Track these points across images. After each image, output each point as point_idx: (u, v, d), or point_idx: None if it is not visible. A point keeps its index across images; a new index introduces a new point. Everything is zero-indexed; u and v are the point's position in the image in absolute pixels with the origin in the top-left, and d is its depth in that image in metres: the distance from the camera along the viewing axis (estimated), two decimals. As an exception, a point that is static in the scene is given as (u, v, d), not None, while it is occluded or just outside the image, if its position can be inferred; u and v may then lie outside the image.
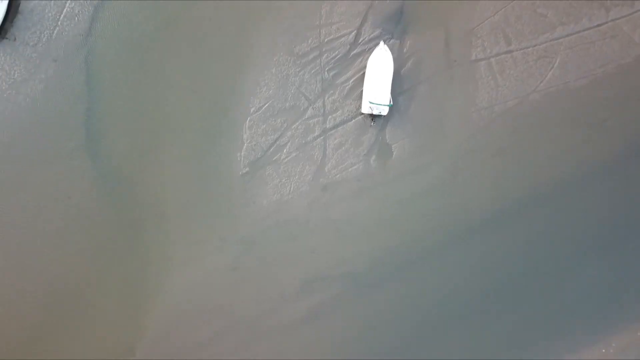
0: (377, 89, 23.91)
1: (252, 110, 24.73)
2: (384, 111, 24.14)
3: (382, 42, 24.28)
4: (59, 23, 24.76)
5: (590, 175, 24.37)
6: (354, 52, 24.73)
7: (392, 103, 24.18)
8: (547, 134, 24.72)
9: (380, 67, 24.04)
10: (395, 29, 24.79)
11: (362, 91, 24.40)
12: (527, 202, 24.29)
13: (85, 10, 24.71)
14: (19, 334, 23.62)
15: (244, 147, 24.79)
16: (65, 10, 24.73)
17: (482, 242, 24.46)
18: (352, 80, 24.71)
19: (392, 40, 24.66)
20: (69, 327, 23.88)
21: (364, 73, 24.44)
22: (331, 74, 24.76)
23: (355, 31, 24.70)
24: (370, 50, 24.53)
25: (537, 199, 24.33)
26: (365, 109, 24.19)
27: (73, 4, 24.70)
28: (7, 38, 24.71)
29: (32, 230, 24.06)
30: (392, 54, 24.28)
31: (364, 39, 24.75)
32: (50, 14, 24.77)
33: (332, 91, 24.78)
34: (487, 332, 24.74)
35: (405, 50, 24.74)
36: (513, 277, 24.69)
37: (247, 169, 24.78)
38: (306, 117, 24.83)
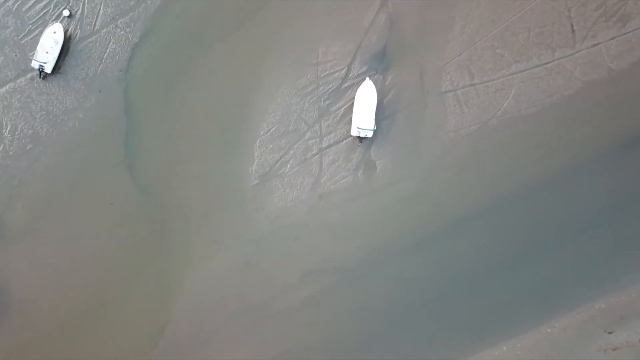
0: (363, 115, 29.25)
1: (261, 133, 30.11)
2: (370, 134, 29.47)
3: (367, 78, 29.66)
4: (103, 61, 30.18)
5: (536, 189, 29.68)
6: (345, 85, 30.10)
7: (375, 127, 29.49)
8: (504, 153, 30.04)
9: (366, 97, 29.40)
10: (379, 66, 30.17)
11: (351, 117, 29.71)
12: (485, 208, 29.62)
13: (124, 51, 30.11)
14: (77, 307, 29.01)
15: (255, 162, 30.15)
16: (107, 50, 30.15)
17: (449, 241, 29.76)
18: (343, 108, 30.08)
19: (376, 75, 30.03)
20: (113, 308, 29.26)
21: (352, 102, 29.75)
22: (326, 103, 30.12)
23: (346, 68, 30.09)
24: (358, 83, 29.89)
25: (493, 206, 29.67)
26: (354, 132, 29.52)
27: (114, 45, 30.11)
28: (60, 73, 30.14)
29: (83, 230, 29.46)
30: (376, 86, 29.63)
31: (353, 74, 30.12)
32: (95, 54, 30.19)
33: (327, 117, 30.15)
34: (455, 315, 30.00)
35: (387, 83, 30.10)
36: (476, 268, 29.97)
37: (257, 180, 30.13)
38: (306, 138, 30.18)
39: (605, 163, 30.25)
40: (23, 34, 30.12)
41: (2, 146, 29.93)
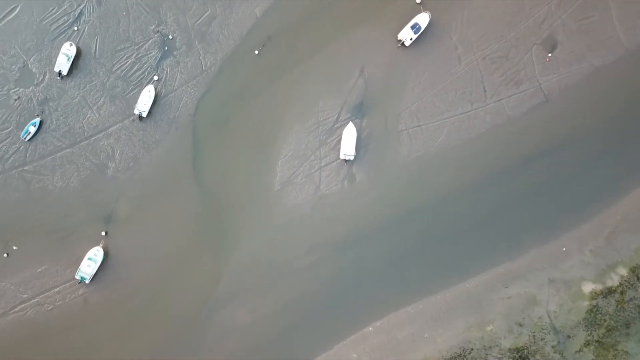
0: (348, 146, 45.40)
1: (282, 156, 46.34)
2: (352, 158, 45.64)
3: (350, 122, 45.88)
4: (179, 109, 46.44)
5: (460, 193, 45.82)
6: (336, 126, 46.32)
7: (355, 154, 45.70)
8: (439, 170, 46.21)
9: (350, 134, 45.55)
10: (358, 113, 46.38)
11: (340, 147, 45.85)
12: (425, 205, 45.87)
13: (192, 103, 46.34)
14: (164, 266, 45.45)
15: (277, 175, 46.39)
16: (182, 102, 46.40)
17: (403, 226, 45.97)
18: (334, 141, 46.29)
19: (356, 120, 46.23)
20: (188, 267, 45.68)
21: (341, 137, 45.91)
22: (324, 137, 46.34)
23: (337, 115, 46.31)
24: (344, 125, 46.02)
25: (431, 204, 45.93)
26: (342, 156, 45.67)
27: (186, 98, 46.33)
28: (151, 116, 46.37)
29: (167, 218, 45.80)
30: (356, 127, 45.80)
31: (341, 119, 46.34)
32: (174, 104, 46.44)
33: (324, 146, 46.37)
34: (408, 271, 46.23)
35: (363, 125, 46.31)
36: (420, 241, 46.05)
37: (279, 187, 46.38)
38: (310, 160, 46.38)
39: (507, 176, 46.45)
40: (127, 91, 46.44)
41: (114, 164, 46.32)
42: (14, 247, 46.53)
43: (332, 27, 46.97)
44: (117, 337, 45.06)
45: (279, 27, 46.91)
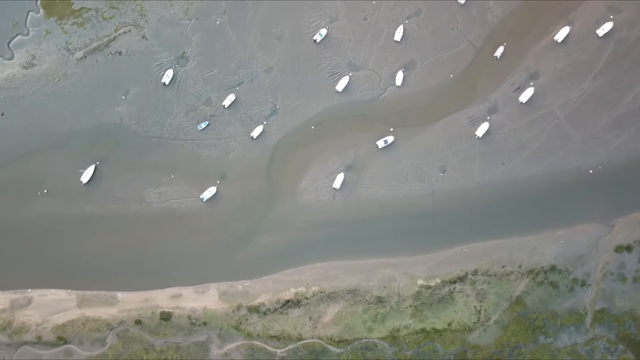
0: (337, 182, 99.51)
1: (305, 177, 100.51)
2: (337, 187, 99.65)
3: (342, 172, 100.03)
4: (270, 141, 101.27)
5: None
6: (335, 172, 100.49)
7: (339, 187, 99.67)
8: (384, 207, 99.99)
9: (339, 178, 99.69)
10: (347, 168, 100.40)
11: (333, 185, 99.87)
12: (377, 217, 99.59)
13: (276, 139, 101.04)
14: (243, 205, 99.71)
15: (302, 184, 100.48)
16: (272, 138, 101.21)
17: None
18: (331, 179, 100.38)
19: (345, 171, 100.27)
20: (256, 208, 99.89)
21: (335, 178, 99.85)
22: (327, 176, 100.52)
23: (336, 167, 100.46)
24: (338, 173, 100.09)
25: (382, 218, 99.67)
26: (333, 185, 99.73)
27: (273, 138, 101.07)
28: (256, 140, 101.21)
29: (250, 187, 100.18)
30: (344, 175, 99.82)
31: (337, 170, 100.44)
32: (270, 136, 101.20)
33: (325, 179, 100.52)
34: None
35: (347, 174, 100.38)
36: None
37: (302, 189, 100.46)
38: (317, 183, 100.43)
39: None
40: (251, 125, 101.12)
41: (233, 161, 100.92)
42: (172, 175, 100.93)
43: (348, 127, 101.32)
44: (212, 230, 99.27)
45: (323, 120, 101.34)
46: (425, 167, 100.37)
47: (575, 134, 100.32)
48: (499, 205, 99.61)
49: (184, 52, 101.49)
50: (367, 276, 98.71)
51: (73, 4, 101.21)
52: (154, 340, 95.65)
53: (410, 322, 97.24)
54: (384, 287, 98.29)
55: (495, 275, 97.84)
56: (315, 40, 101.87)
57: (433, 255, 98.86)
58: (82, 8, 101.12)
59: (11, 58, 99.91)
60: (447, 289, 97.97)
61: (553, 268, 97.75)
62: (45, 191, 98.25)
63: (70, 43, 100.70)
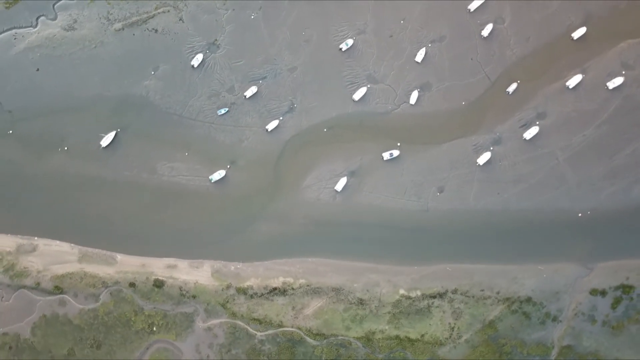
0: (339, 185, 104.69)
1: (309, 176, 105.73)
2: (339, 190, 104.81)
3: (345, 176, 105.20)
4: (283, 136, 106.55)
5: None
6: (337, 176, 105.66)
7: (340, 189, 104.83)
8: (368, 220, 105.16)
9: (342, 181, 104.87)
10: (350, 173, 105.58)
11: (336, 187, 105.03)
12: (366, 225, 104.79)
13: (288, 136, 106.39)
14: (248, 192, 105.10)
15: (305, 182, 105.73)
16: (285, 133, 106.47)
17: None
18: (334, 180, 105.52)
19: (347, 177, 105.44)
20: (260, 195, 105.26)
21: (338, 181, 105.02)
22: (330, 178, 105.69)
23: (340, 172, 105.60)
24: (341, 177, 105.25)
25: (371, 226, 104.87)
26: (335, 188, 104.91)
27: (284, 134, 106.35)
28: (270, 134, 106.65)
29: (257, 175, 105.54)
30: (346, 180, 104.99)
31: (341, 174, 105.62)
32: (284, 131, 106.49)
33: (328, 181, 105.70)
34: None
35: (348, 179, 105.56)
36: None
37: (304, 187, 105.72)
38: (320, 183, 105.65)
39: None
40: (268, 119, 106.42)
41: (245, 149, 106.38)
42: (186, 153, 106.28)
43: (358, 135, 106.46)
44: (215, 211, 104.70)
45: (336, 124, 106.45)
46: (425, 185, 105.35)
47: (572, 177, 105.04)
48: (488, 231, 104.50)
49: (216, 40, 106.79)
50: (353, 278, 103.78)
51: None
52: (144, 304, 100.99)
53: (387, 327, 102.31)
54: (367, 290, 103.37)
55: (473, 297, 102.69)
56: (340, 49, 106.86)
57: (418, 269, 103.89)
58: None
59: (54, 19, 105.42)
60: (426, 302, 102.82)
61: (529, 299, 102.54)
62: (66, 148, 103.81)
63: (112, 14, 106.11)
